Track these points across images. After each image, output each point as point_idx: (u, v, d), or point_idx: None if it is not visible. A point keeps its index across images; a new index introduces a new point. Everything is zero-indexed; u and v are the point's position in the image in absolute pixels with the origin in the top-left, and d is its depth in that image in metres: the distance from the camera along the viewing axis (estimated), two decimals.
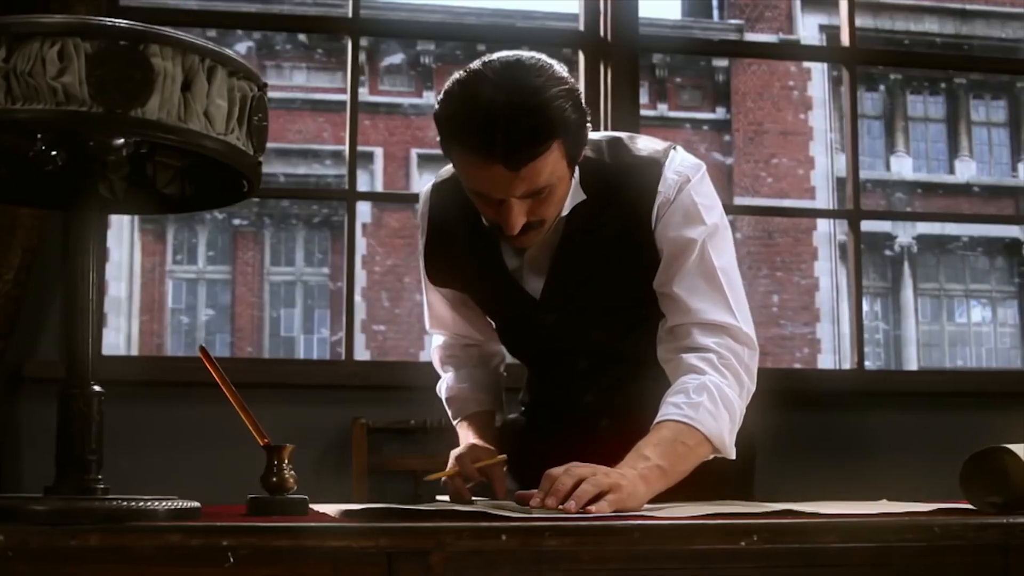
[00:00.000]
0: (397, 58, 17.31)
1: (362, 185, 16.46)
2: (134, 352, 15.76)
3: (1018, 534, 1.47)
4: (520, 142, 1.80)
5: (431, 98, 16.78)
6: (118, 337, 15.95)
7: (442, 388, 2.37)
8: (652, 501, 1.76)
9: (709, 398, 1.87)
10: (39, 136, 1.42)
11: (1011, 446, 1.56)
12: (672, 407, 1.87)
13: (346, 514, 1.54)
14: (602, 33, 3.60)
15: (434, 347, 2.39)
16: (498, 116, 1.78)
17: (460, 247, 2.12)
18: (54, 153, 1.44)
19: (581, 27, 3.66)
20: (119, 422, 3.07)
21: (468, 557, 1.37)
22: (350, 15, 3.62)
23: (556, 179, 1.88)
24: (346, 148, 3.40)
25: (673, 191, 2.02)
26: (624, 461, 1.77)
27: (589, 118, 1.94)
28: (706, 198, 2.06)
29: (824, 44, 17.60)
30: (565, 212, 1.98)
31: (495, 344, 2.35)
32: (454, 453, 2.11)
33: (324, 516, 1.55)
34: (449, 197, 2.12)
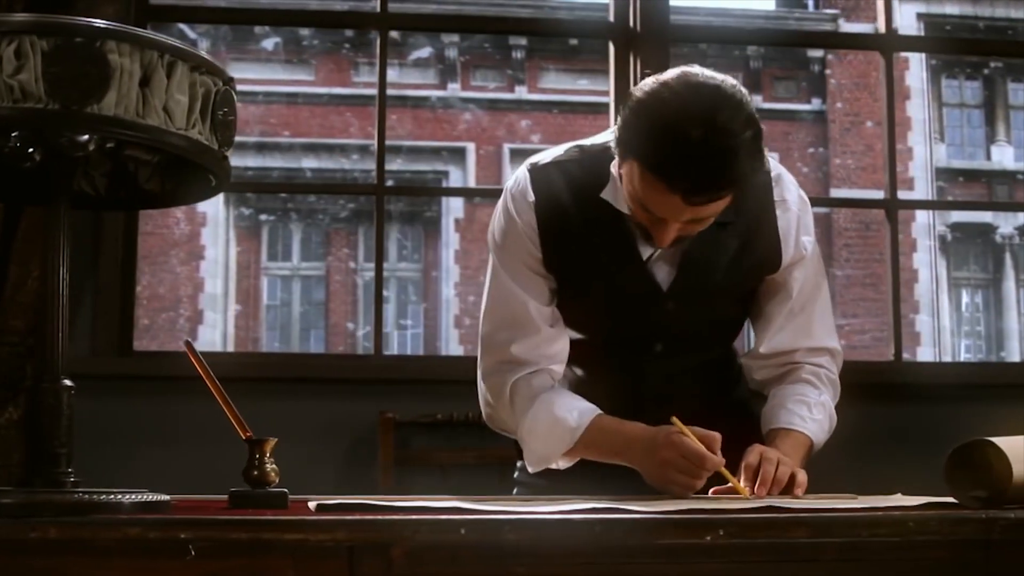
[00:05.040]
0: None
1: (455, 181, 16.51)
2: (230, 348, 15.99)
3: (998, 529, 1.43)
4: (705, 186, 1.83)
5: (522, 92, 16.75)
6: (214, 333, 16.19)
7: (530, 425, 2.13)
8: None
9: (824, 415, 2.17)
10: (14, 134, 1.44)
11: (995, 439, 1.51)
12: (798, 418, 2.13)
13: (319, 508, 1.53)
14: (632, 23, 3.56)
15: (493, 384, 2.17)
16: (692, 155, 1.79)
17: (580, 234, 2.10)
18: (31, 150, 1.46)
19: (611, 17, 3.63)
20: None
21: (430, 551, 1.36)
22: (378, 9, 3.62)
23: (719, 212, 1.93)
24: (375, 142, 3.43)
25: (797, 203, 2.15)
26: None
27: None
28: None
29: (923, 33, 17.37)
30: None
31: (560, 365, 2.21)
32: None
33: (304, 510, 1.55)
34: (557, 182, 2.12)
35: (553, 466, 2.15)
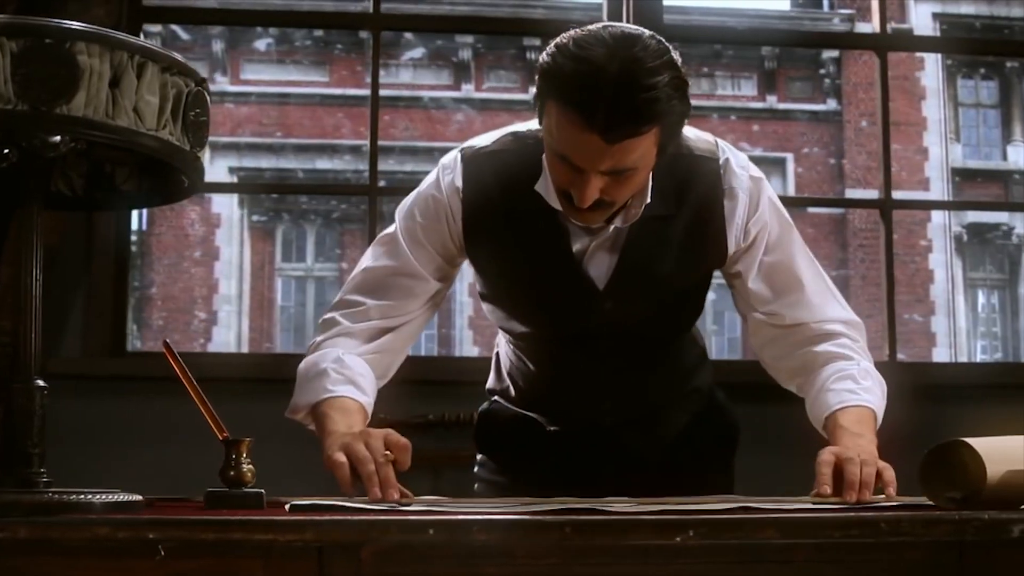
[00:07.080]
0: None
1: None
2: (244, 349, 16.03)
3: (971, 531, 1.42)
4: (623, 118, 1.77)
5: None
6: (228, 334, 16.24)
7: (326, 352, 2.07)
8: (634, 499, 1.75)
9: (873, 381, 2.06)
10: None
11: (970, 440, 1.50)
12: (848, 393, 2.01)
13: (292, 508, 1.53)
14: (625, 23, 3.50)
15: (335, 325, 2.10)
16: (608, 85, 1.76)
17: (509, 227, 2.04)
18: (5, 151, 1.47)
19: (604, 17, 3.59)
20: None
21: (399, 551, 1.36)
22: (371, 10, 3.61)
23: (642, 164, 1.86)
24: (368, 142, 3.44)
25: (746, 186, 2.07)
26: (844, 440, 1.91)
27: (691, 113, 1.91)
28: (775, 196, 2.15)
29: (938, 34, 17.31)
30: (648, 199, 1.97)
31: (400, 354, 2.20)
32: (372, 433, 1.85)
33: (280, 510, 1.55)
34: (488, 171, 2.06)
35: (299, 417, 2.03)
